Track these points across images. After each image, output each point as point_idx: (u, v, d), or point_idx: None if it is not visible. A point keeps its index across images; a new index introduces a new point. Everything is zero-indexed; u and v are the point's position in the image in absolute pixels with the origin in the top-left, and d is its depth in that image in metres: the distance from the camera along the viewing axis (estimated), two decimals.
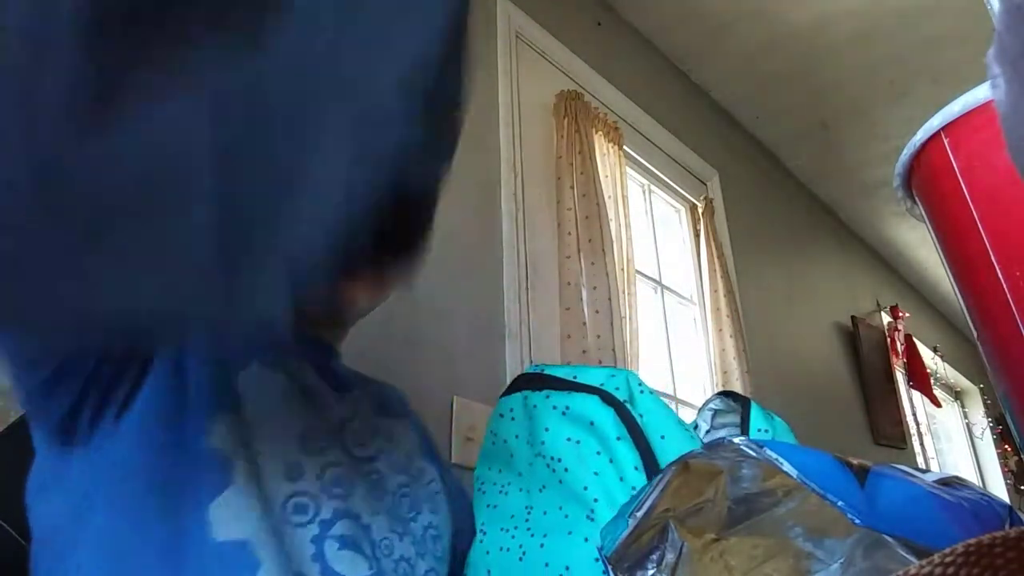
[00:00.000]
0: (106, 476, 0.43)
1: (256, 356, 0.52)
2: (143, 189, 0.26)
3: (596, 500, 0.52)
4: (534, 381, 0.65)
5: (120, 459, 0.43)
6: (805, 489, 0.38)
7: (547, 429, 0.59)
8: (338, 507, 0.49)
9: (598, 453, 0.55)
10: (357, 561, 0.47)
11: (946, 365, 4.71)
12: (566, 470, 0.55)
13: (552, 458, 0.57)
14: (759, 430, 0.65)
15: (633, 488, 0.51)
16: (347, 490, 0.51)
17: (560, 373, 0.64)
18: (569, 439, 0.57)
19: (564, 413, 0.58)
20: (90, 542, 0.42)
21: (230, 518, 0.43)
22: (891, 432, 3.45)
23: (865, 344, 3.53)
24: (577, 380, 0.61)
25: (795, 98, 3.04)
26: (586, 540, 0.51)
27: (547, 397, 0.61)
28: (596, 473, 0.54)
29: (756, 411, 0.68)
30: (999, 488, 4.58)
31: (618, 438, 0.55)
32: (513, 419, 0.64)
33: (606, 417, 0.56)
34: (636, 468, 0.53)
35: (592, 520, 0.52)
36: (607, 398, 0.57)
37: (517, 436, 0.62)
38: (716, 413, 0.71)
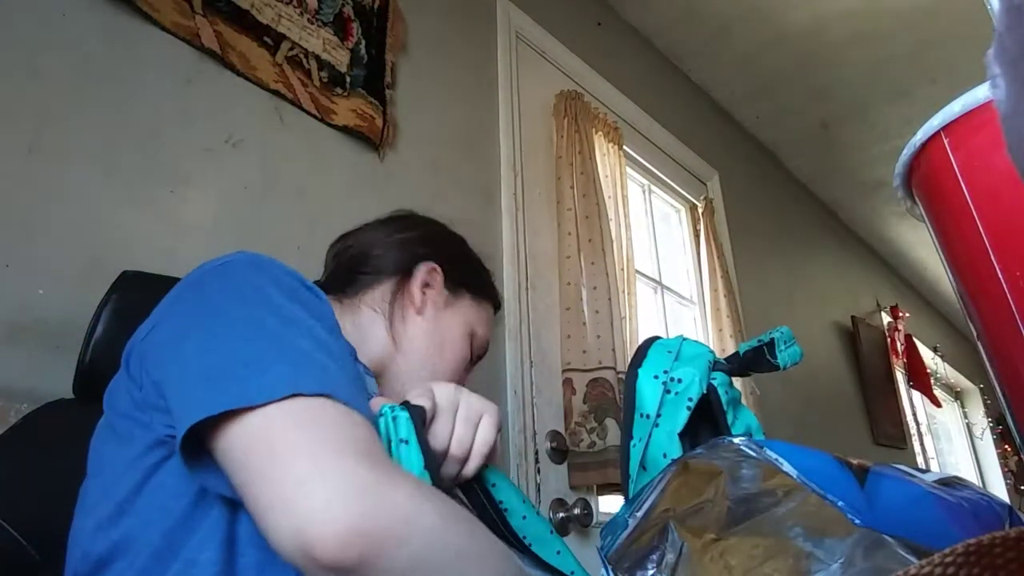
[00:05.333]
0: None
1: None
2: None
3: None
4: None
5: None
6: (805, 489, 0.38)
7: None
8: None
9: None
10: None
11: (946, 365, 4.71)
12: None
13: None
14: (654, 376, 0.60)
15: None
16: None
17: None
18: None
19: None
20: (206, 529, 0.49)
21: None
22: (891, 432, 3.45)
23: (865, 344, 3.53)
24: None
25: (795, 98, 3.05)
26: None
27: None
28: None
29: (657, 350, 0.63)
30: (999, 488, 4.59)
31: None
32: None
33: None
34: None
35: None
36: None
37: None
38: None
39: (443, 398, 0.59)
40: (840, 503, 0.36)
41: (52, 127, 0.95)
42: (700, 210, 2.46)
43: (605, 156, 1.97)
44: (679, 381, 0.58)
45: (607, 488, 1.53)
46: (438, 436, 0.58)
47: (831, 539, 0.33)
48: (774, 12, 2.57)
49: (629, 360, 0.63)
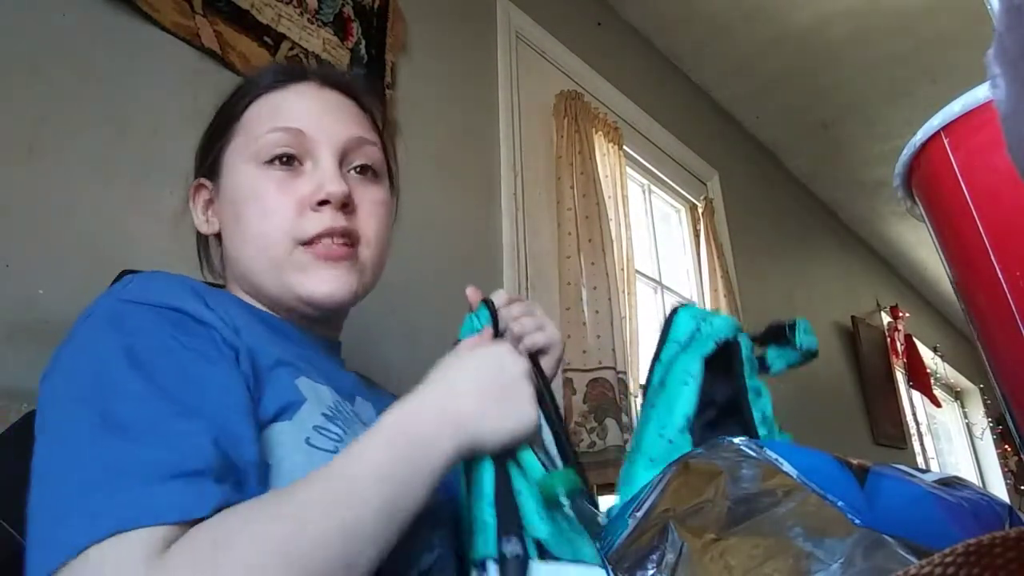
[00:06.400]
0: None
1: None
2: None
3: None
4: None
5: None
6: (805, 489, 0.38)
7: None
8: None
9: None
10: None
11: (946, 365, 4.71)
12: None
13: None
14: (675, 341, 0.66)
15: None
16: None
17: None
18: None
19: None
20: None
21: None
22: (891, 432, 3.45)
23: (865, 344, 3.53)
24: None
25: (795, 98, 3.04)
26: None
27: None
28: None
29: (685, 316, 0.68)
30: (999, 488, 4.59)
31: None
32: None
33: None
34: None
35: None
36: None
37: None
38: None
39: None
40: (840, 503, 0.36)
41: (52, 127, 0.95)
42: (700, 210, 2.46)
43: (605, 156, 1.97)
44: (711, 324, 0.64)
45: (607, 488, 1.53)
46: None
47: (831, 539, 0.33)
48: (774, 12, 2.57)
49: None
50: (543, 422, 0.57)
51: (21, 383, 0.82)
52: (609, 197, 1.89)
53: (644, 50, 2.66)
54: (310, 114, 0.65)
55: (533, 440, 0.52)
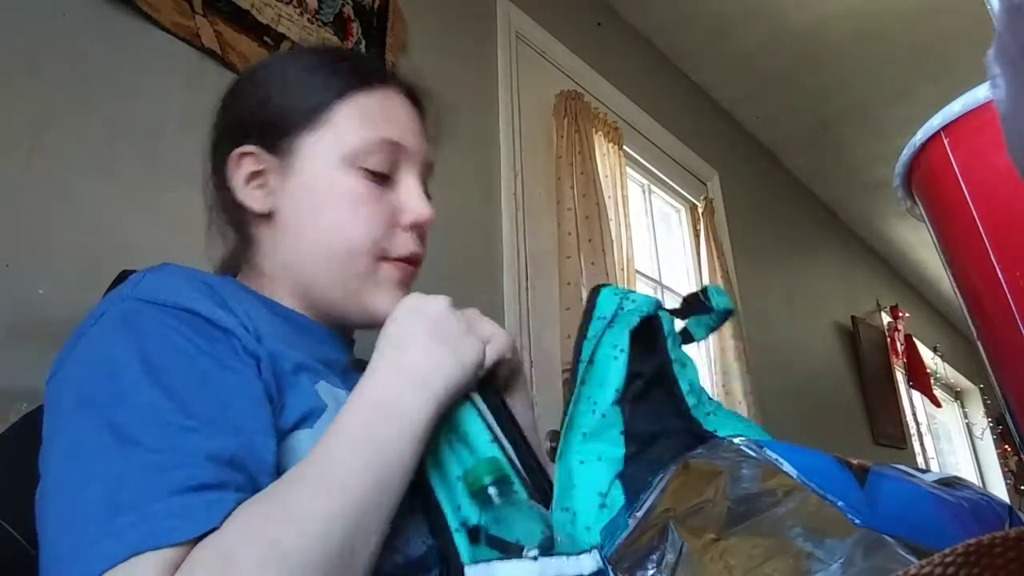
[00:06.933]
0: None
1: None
2: None
3: None
4: None
5: None
6: (805, 489, 0.38)
7: None
8: None
9: None
10: None
11: (946, 365, 4.71)
12: None
13: None
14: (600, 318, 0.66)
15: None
16: None
17: None
18: None
19: None
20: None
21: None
22: (891, 432, 3.45)
23: (865, 344, 3.53)
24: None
25: (795, 98, 3.05)
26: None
27: None
28: None
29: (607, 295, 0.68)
30: (999, 488, 4.59)
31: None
32: None
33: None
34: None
35: None
36: None
37: None
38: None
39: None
40: (840, 503, 0.36)
41: (52, 127, 0.95)
42: (700, 210, 2.46)
43: (605, 156, 1.97)
44: (633, 301, 0.65)
45: None
46: None
47: (831, 539, 0.33)
48: (774, 12, 2.57)
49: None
50: (502, 438, 0.56)
51: (21, 383, 0.82)
52: (609, 197, 1.89)
53: (644, 50, 2.66)
54: (403, 128, 0.64)
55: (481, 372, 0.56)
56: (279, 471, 0.46)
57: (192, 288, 0.52)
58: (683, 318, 0.70)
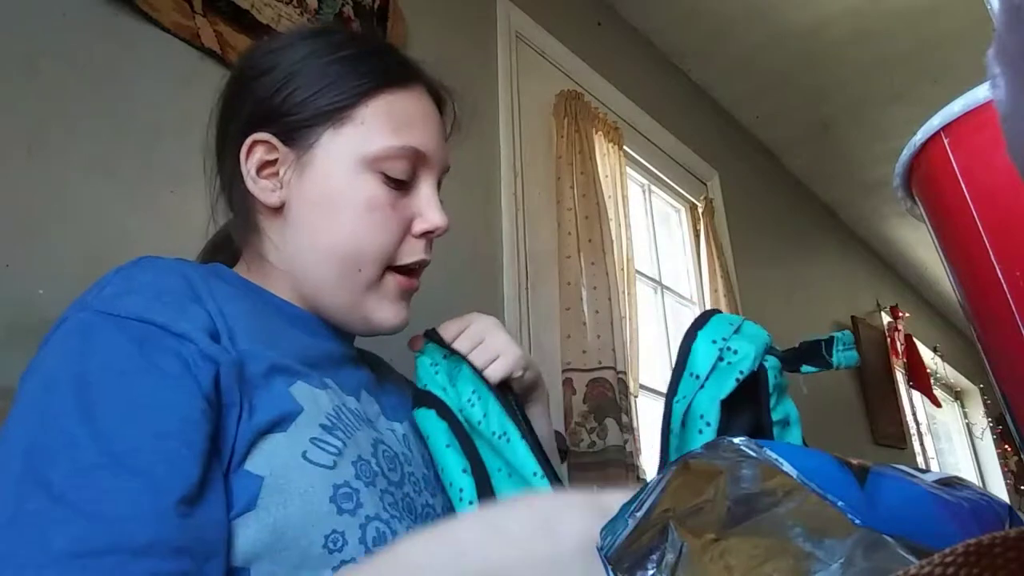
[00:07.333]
0: None
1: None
2: None
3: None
4: None
5: None
6: (805, 489, 0.38)
7: None
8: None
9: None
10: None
11: (946, 365, 4.71)
12: None
13: None
14: (712, 341, 0.59)
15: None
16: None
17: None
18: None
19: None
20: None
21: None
22: (891, 432, 3.45)
23: (865, 344, 3.53)
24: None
25: (795, 98, 3.04)
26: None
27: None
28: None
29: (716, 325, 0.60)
30: (999, 488, 4.59)
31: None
32: None
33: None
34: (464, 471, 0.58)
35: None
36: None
37: None
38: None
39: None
40: (840, 503, 0.36)
41: (52, 127, 0.95)
42: (700, 210, 2.46)
43: (605, 156, 1.97)
44: (735, 352, 0.57)
45: (607, 488, 1.53)
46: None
47: (831, 539, 0.33)
48: (774, 12, 2.57)
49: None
50: (524, 443, 0.56)
51: None
52: (609, 197, 1.89)
53: (644, 50, 2.66)
54: (427, 134, 0.61)
55: None
56: (255, 472, 0.46)
57: (158, 290, 0.50)
58: (794, 370, 0.63)
